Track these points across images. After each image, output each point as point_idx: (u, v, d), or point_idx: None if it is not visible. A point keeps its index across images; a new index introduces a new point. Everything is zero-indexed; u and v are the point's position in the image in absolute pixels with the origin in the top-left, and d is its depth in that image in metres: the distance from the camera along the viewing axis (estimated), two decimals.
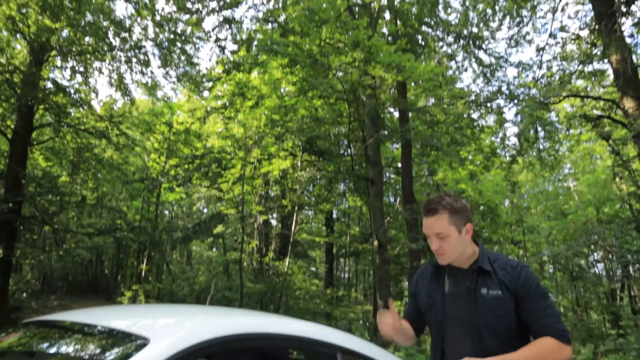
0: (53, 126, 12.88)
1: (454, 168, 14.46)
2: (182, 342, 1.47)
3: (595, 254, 19.08)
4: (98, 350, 1.56)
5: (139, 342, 1.46)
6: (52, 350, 1.72)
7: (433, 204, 1.81)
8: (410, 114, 12.46)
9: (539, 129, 13.57)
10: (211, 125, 14.80)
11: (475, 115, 13.17)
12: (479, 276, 1.80)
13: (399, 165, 13.56)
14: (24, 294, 15.57)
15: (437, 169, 16.60)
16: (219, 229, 15.84)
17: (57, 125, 12.65)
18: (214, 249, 23.83)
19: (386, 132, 12.63)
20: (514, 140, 17.78)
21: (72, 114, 13.28)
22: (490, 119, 15.46)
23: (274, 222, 19.52)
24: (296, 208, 15.72)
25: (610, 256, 17.58)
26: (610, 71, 10.54)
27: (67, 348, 1.70)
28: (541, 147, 14.02)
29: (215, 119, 14.16)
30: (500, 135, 14.67)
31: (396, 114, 13.74)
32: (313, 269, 22.11)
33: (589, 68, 11.85)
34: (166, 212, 23.47)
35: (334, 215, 21.10)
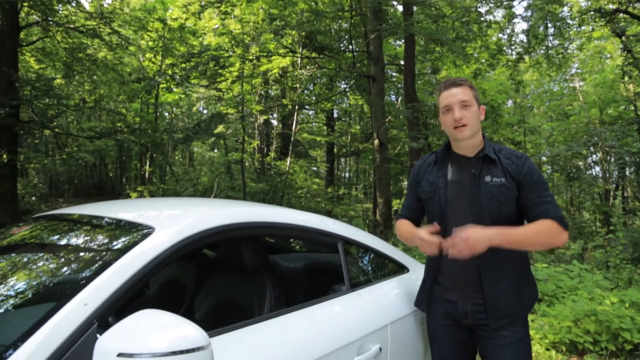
0: (41, 25, 12.30)
1: (458, 65, 14.09)
2: (186, 230, 1.51)
3: (593, 155, 19.28)
4: (106, 240, 1.61)
5: (145, 232, 1.50)
6: (62, 241, 1.77)
7: (454, 79, 1.88)
8: (414, 8, 11.84)
9: (549, 25, 12.99)
10: (207, 21, 14.11)
11: (483, 10, 12.54)
12: (484, 164, 1.83)
13: (402, 62, 13.16)
14: (33, 198, 16.01)
15: (440, 67, 16.19)
16: (220, 129, 15.81)
17: (45, 24, 12.07)
18: (216, 150, 24.04)
19: (389, 27, 12.11)
20: (522, 37, 17.15)
21: (60, 12, 12.64)
22: (499, 14, 14.74)
23: (274, 122, 19.43)
24: (297, 107, 15.57)
25: (608, 158, 17.76)
26: None
27: (77, 239, 1.75)
28: (550, 44, 13.54)
29: (210, 14, 13.50)
30: (508, 31, 14.13)
31: (400, 8, 13.08)
32: (314, 168, 22.41)
33: None
34: (166, 113, 23.31)
35: (335, 115, 20.97)
